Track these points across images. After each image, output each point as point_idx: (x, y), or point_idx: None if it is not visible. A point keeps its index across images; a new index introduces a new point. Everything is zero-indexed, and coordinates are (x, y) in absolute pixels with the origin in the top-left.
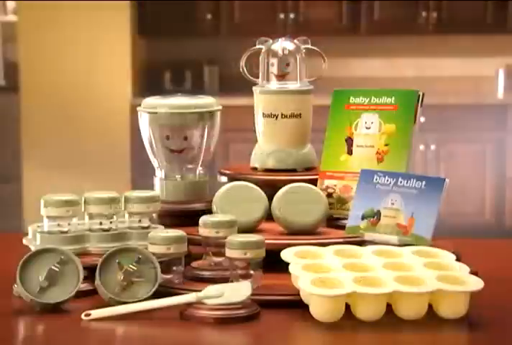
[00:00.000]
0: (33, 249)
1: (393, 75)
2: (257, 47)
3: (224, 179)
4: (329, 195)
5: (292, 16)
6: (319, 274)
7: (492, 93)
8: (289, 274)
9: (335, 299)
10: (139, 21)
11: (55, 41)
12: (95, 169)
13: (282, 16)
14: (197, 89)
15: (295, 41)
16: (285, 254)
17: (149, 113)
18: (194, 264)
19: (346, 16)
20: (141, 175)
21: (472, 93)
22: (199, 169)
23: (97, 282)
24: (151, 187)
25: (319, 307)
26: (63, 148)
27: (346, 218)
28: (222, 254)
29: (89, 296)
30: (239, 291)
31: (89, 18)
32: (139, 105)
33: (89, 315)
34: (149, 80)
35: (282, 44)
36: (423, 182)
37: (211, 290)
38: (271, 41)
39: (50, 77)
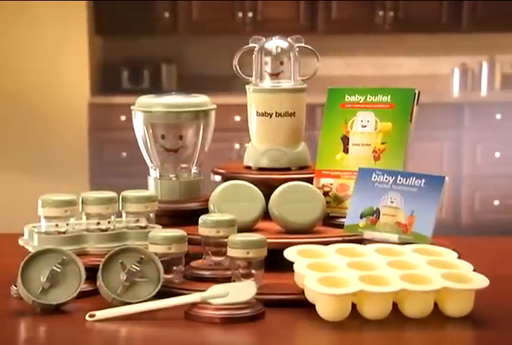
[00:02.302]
0: (30, 249)
1: (351, 73)
2: (250, 45)
3: (217, 178)
4: (325, 194)
5: (250, 15)
6: (326, 273)
7: (448, 91)
8: (290, 273)
9: (342, 298)
10: (96, 20)
11: (11, 40)
12: (52, 169)
13: (240, 14)
14: (155, 88)
15: (289, 39)
16: (289, 253)
17: (143, 112)
18: (194, 263)
19: (304, 16)
20: (99, 174)
21: (429, 92)
22: (193, 169)
23: (99, 282)
24: (111, 187)
25: (326, 306)
26: (19, 148)
27: (342, 217)
28: (222, 254)
29: (89, 297)
30: (243, 291)
31: (46, 18)
32: (94, 103)
33: (93, 316)
34: (107, 79)
35: (276, 43)
36: (423, 181)
37: (215, 289)
38: (264, 39)
39: (7, 76)
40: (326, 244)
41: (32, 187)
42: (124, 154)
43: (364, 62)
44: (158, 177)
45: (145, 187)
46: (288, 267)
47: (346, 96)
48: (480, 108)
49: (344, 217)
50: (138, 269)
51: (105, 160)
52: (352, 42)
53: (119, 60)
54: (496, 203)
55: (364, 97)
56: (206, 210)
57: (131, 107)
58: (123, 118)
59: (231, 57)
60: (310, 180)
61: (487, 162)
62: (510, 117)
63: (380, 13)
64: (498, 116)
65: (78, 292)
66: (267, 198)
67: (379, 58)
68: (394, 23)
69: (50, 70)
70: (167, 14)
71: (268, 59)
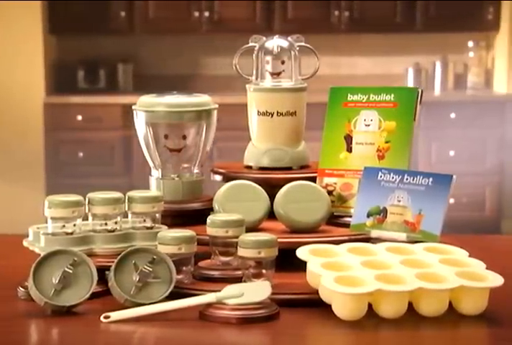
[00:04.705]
0: (36, 250)
1: (306, 73)
2: (250, 44)
3: (217, 178)
4: (329, 193)
5: (206, 14)
6: (342, 272)
7: None
8: (299, 272)
9: (359, 297)
10: (51, 20)
11: None
12: (7, 169)
13: (196, 14)
14: (111, 87)
15: (289, 38)
16: (301, 253)
17: (145, 111)
18: (202, 263)
19: (260, 16)
20: (55, 175)
21: None
22: (195, 169)
23: (112, 283)
24: (68, 187)
25: (343, 306)
26: None
27: (347, 216)
28: (230, 254)
29: (98, 298)
30: (258, 291)
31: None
32: (50, 103)
33: (108, 317)
34: (63, 79)
35: (277, 42)
36: (430, 179)
37: (230, 290)
38: (264, 38)
39: None
40: (334, 243)
41: None
42: (81, 154)
43: (321, 62)
44: (160, 177)
45: (108, 187)
46: (297, 266)
47: (349, 95)
48: (434, 108)
49: (349, 216)
50: (150, 269)
51: (61, 160)
52: (308, 41)
53: (75, 59)
54: (451, 201)
55: (367, 96)
56: (209, 210)
57: (133, 107)
58: (79, 117)
59: (188, 56)
60: (312, 179)
61: (441, 160)
62: (463, 116)
63: (336, 13)
64: (452, 115)
65: (90, 293)
66: (269, 197)
67: (334, 58)
68: (349, 23)
69: (4, 71)
70: (123, 13)
71: (269, 58)
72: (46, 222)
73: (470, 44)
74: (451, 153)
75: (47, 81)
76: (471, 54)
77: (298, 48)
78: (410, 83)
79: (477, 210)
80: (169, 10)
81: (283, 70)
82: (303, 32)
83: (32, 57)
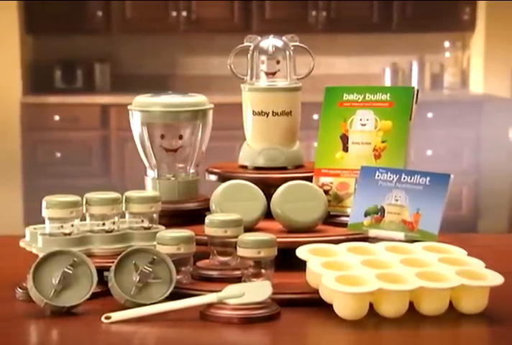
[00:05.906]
0: (34, 251)
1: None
2: (245, 44)
3: (212, 177)
4: (325, 193)
5: (184, 14)
6: (343, 271)
7: None
8: (298, 272)
9: (360, 296)
10: (28, 19)
11: None
12: None
13: (174, 14)
14: (88, 87)
15: (283, 38)
16: (301, 252)
17: (141, 111)
18: (200, 263)
19: (238, 15)
20: (32, 175)
21: None
22: (191, 168)
23: (112, 283)
24: (45, 188)
25: (345, 305)
26: None
27: (343, 215)
28: (228, 254)
29: (97, 298)
30: (259, 291)
31: None
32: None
33: (109, 317)
34: (40, 79)
35: (272, 42)
36: (428, 178)
37: (231, 289)
38: (259, 38)
39: None
40: (332, 242)
41: None
42: (58, 154)
43: (298, 62)
44: (156, 177)
45: (86, 187)
46: (294, 266)
47: (345, 95)
48: None
49: (345, 215)
50: (151, 270)
51: (38, 161)
52: None
53: (52, 59)
54: None
55: (362, 95)
56: (205, 210)
57: (129, 106)
58: (56, 117)
59: (166, 56)
60: (308, 179)
61: (419, 159)
62: (440, 116)
63: (313, 13)
64: (429, 115)
65: (90, 293)
66: (265, 197)
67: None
68: (326, 23)
69: None
70: (100, 13)
71: (264, 58)
72: (25, 223)
73: (446, 44)
74: (429, 152)
75: (24, 81)
76: (447, 54)
77: (292, 48)
78: (388, 83)
79: (454, 209)
80: (146, 10)
81: (278, 70)
82: (281, 32)
83: (8, 57)
